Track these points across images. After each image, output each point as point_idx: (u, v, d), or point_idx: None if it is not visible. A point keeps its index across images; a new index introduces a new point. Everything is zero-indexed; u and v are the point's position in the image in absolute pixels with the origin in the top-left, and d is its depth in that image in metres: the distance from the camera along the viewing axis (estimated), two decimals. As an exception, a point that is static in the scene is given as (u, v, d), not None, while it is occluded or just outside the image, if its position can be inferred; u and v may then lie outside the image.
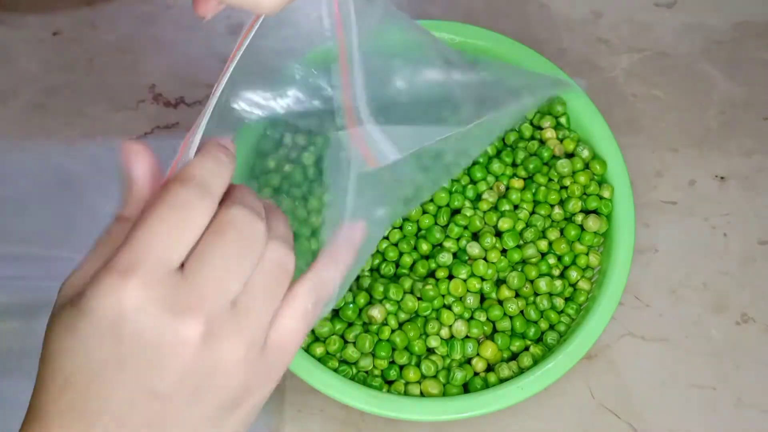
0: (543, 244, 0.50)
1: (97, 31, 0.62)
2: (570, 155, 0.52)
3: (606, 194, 0.51)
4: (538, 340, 0.49)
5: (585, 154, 0.52)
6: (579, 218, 0.51)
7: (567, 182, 0.51)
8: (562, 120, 0.53)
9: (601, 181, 0.51)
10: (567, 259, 0.50)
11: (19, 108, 0.58)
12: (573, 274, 0.50)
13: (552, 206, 0.51)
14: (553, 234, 0.50)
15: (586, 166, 0.52)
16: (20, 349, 0.50)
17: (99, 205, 0.54)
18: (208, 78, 0.60)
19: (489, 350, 0.48)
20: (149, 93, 0.60)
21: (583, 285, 0.50)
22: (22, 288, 0.53)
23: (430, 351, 0.48)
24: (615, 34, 0.64)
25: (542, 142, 0.53)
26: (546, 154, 0.52)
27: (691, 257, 0.57)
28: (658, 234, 0.57)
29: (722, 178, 0.60)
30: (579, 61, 0.63)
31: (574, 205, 0.50)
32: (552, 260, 0.50)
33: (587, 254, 0.50)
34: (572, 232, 0.50)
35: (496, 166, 0.52)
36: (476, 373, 0.48)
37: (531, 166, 0.51)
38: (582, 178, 0.51)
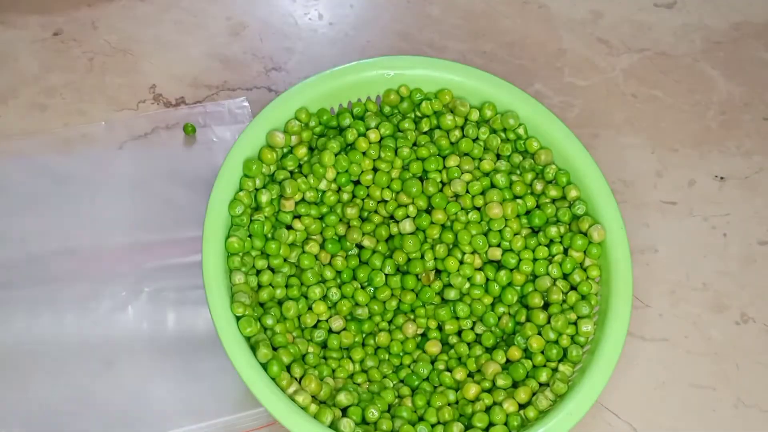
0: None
1: (97, 31, 0.62)
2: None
3: (573, 193, 0.49)
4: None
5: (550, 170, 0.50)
6: (584, 226, 0.49)
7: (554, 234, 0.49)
8: (520, 131, 0.51)
9: (570, 182, 0.50)
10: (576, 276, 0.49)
11: (19, 108, 0.58)
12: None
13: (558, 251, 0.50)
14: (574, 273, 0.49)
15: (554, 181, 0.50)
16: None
17: (98, 206, 0.54)
18: (208, 78, 0.60)
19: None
20: (149, 93, 0.60)
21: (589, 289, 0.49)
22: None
23: None
24: (615, 34, 0.64)
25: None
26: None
27: (691, 257, 0.57)
28: (658, 234, 0.57)
29: (722, 178, 0.60)
30: (579, 61, 0.63)
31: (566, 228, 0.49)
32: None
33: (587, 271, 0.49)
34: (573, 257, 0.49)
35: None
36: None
37: (536, 221, 0.50)
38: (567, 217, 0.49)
